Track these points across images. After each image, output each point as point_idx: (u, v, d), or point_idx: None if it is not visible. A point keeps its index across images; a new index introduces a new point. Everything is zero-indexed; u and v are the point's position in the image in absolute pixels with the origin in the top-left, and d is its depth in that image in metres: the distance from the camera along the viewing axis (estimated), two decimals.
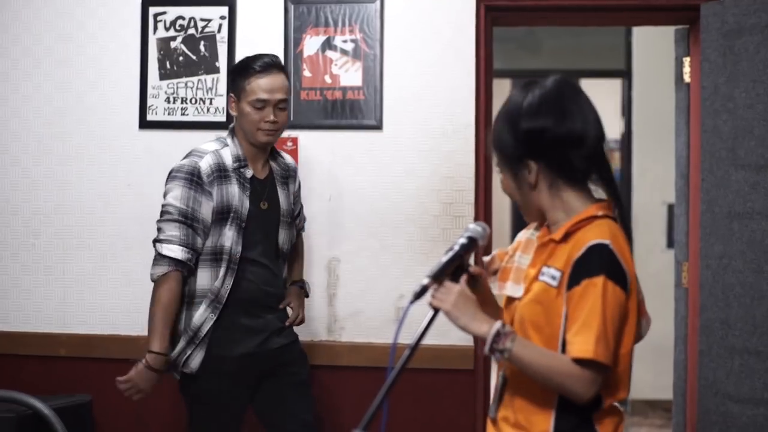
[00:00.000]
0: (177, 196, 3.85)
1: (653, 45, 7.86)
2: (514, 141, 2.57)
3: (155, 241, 3.88)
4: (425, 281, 2.50)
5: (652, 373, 7.57)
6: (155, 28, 4.87)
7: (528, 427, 2.56)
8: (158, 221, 3.89)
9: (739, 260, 4.48)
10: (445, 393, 4.71)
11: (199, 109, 4.82)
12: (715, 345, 4.56)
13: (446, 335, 4.31)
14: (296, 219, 4.28)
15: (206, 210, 3.86)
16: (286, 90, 3.99)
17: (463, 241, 2.61)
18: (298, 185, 4.26)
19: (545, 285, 2.52)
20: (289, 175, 4.18)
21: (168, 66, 4.85)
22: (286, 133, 4.74)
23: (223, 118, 4.78)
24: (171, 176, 3.90)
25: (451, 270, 2.57)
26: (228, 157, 3.93)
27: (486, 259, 2.79)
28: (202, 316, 3.89)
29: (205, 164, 3.88)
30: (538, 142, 2.55)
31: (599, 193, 2.65)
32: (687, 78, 5.04)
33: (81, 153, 4.92)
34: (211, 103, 4.81)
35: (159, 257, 3.87)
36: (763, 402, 4.41)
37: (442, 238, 4.68)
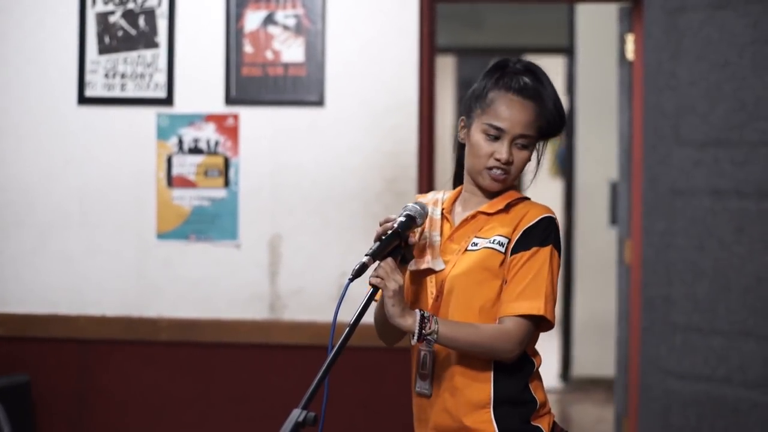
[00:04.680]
0: None
1: (597, 22, 7.90)
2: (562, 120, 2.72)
3: None
4: (364, 259, 2.51)
5: (594, 349, 7.63)
6: (93, 2, 4.78)
7: (469, 396, 2.61)
8: None
9: (681, 237, 4.50)
10: (386, 371, 4.70)
11: (139, 85, 4.75)
12: (657, 322, 4.60)
13: None
14: None
15: None
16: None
17: (401, 219, 2.66)
18: None
19: (491, 251, 2.62)
20: None
21: (107, 41, 4.77)
22: (227, 110, 4.70)
23: (164, 95, 4.71)
24: None
25: (391, 248, 2.58)
26: None
27: None
28: None
29: None
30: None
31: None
32: (630, 55, 5.05)
33: (18, 128, 4.82)
34: (150, 78, 4.74)
35: None
36: (703, 378, 4.45)
37: (385, 215, 4.63)
